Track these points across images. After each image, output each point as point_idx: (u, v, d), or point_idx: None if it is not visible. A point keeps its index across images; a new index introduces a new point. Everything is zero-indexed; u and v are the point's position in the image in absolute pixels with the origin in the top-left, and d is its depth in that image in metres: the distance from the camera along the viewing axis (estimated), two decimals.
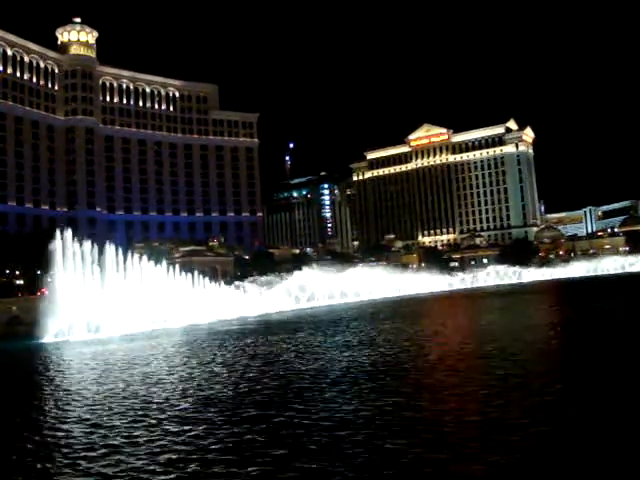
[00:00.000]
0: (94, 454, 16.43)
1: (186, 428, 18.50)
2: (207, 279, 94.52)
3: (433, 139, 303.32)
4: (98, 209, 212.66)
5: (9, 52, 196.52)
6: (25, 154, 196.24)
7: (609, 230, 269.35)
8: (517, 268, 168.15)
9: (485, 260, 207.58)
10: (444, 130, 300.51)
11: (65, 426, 20.36)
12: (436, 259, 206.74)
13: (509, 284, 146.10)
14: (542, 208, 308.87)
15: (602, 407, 17.74)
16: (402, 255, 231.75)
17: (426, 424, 16.84)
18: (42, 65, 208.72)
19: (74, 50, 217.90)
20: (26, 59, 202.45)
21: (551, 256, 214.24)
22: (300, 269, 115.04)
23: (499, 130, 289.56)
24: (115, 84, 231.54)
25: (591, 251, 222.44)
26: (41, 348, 55.55)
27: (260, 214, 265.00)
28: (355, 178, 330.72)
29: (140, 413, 21.32)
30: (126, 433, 18.34)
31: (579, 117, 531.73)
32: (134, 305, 69.44)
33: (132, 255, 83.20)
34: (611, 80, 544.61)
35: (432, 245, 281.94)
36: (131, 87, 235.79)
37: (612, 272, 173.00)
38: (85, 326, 65.31)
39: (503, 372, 24.14)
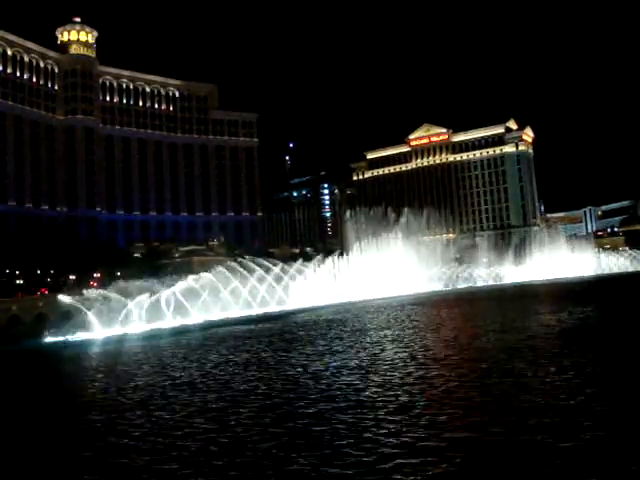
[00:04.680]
0: None
1: None
2: None
3: (433, 139, 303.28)
4: (98, 209, 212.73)
5: (9, 52, 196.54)
6: (25, 154, 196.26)
7: (609, 230, 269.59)
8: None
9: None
10: (444, 130, 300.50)
11: None
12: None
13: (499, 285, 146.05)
14: (542, 208, 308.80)
15: None
16: None
17: None
18: (42, 65, 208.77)
19: (74, 50, 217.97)
20: (26, 59, 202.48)
21: None
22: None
23: (499, 130, 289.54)
24: (115, 84, 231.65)
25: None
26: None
27: (260, 214, 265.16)
28: (355, 178, 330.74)
29: None
30: None
31: (579, 117, 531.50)
32: None
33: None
34: (611, 80, 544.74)
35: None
36: (131, 87, 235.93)
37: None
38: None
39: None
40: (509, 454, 13.84)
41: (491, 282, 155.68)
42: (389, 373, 24.96)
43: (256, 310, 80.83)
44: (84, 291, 75.68)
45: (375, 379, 23.75)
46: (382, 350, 32.76)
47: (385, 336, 40.07)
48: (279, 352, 36.22)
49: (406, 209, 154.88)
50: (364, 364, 28.06)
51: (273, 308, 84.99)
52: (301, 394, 21.99)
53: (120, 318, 65.63)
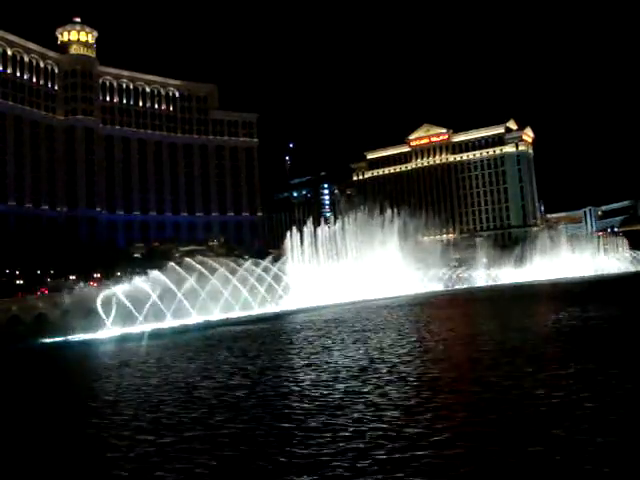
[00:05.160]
0: None
1: None
2: None
3: (433, 139, 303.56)
4: (98, 209, 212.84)
5: (9, 52, 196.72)
6: (25, 154, 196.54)
7: (609, 230, 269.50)
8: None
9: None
10: (444, 130, 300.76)
11: None
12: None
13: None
14: (542, 208, 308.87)
15: None
16: None
17: None
18: (42, 65, 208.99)
19: (74, 50, 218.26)
20: (26, 59, 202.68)
21: None
22: None
23: (499, 130, 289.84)
24: (115, 84, 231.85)
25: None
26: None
27: (260, 214, 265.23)
28: (355, 178, 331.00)
29: None
30: None
31: (579, 117, 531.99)
32: None
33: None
34: (611, 80, 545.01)
35: (432, 245, 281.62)
36: (131, 87, 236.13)
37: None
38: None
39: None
40: (509, 457, 13.83)
41: (491, 282, 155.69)
42: (388, 374, 24.94)
43: (256, 310, 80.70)
44: (60, 295, 73.72)
45: (374, 380, 23.72)
46: (381, 351, 32.73)
47: (385, 337, 40.04)
48: (276, 353, 36.19)
49: (406, 209, 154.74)
50: (363, 364, 28.03)
51: (272, 308, 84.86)
52: (299, 396, 21.96)
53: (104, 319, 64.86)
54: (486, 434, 15.36)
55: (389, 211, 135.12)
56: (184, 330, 59.47)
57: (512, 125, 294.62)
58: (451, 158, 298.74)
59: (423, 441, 15.04)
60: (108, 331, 62.58)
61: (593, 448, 13.68)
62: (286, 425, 17.62)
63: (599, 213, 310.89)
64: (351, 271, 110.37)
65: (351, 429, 16.54)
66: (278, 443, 15.89)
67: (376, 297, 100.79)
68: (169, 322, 66.63)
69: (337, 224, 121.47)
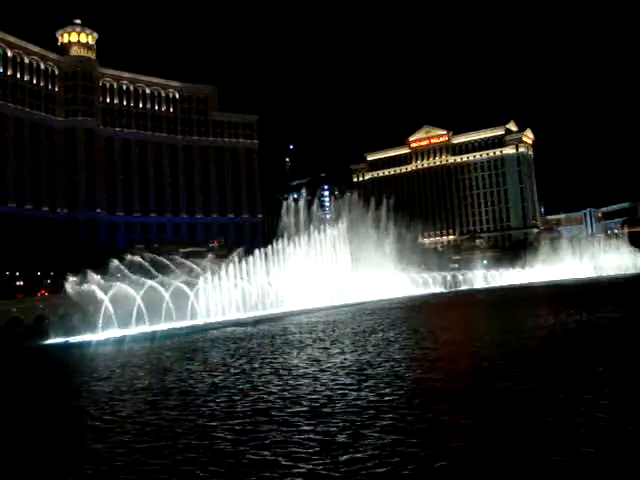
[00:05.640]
0: None
1: None
2: None
3: (433, 140, 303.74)
4: (98, 210, 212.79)
5: (9, 54, 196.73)
6: (25, 156, 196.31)
7: (609, 231, 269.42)
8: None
9: (485, 262, 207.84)
10: (444, 132, 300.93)
11: None
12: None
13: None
14: (542, 209, 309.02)
15: None
16: None
17: None
18: (42, 66, 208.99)
19: (74, 51, 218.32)
20: (26, 60, 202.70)
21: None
22: None
23: (499, 132, 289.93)
24: (115, 85, 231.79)
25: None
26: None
27: (260, 215, 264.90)
28: (355, 179, 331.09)
29: None
30: None
31: (579, 119, 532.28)
32: None
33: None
34: (611, 82, 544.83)
35: (432, 247, 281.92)
36: (131, 88, 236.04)
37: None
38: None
39: None
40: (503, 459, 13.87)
41: (491, 284, 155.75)
42: (385, 375, 24.96)
43: (250, 313, 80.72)
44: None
45: (370, 382, 23.77)
46: (379, 353, 32.75)
47: (382, 338, 40.05)
48: (269, 356, 36.25)
49: (406, 210, 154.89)
50: (359, 366, 28.05)
51: (271, 310, 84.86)
52: (294, 398, 22.00)
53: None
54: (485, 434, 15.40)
55: (389, 213, 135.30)
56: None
57: (512, 127, 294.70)
58: (451, 159, 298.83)
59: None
60: (104, 333, 62.76)
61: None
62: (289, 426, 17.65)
63: (599, 215, 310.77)
64: (349, 272, 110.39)
65: (345, 435, 16.55)
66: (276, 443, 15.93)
67: (375, 299, 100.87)
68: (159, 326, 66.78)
69: (334, 219, 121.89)
